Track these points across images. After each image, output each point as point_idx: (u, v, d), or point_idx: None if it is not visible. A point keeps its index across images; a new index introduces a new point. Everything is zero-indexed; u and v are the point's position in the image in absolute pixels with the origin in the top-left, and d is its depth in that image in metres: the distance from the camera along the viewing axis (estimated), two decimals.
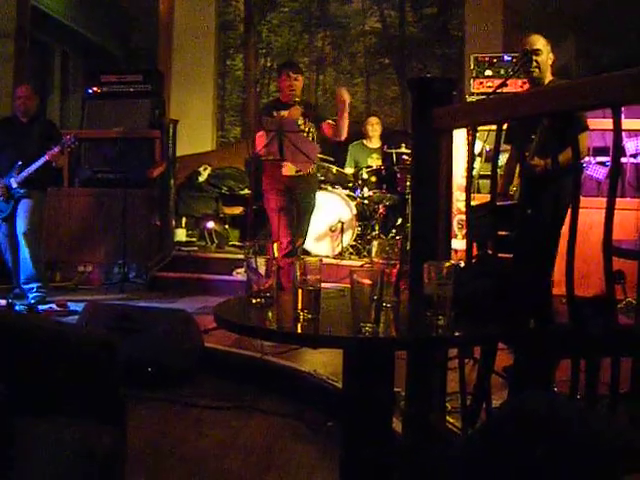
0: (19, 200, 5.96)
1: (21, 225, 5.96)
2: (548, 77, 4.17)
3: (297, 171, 5.57)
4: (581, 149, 3.92)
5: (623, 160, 6.12)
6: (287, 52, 9.67)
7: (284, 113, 5.55)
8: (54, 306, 5.96)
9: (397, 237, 7.12)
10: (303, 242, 5.92)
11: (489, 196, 2.53)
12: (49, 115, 10.71)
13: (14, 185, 5.90)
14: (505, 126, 3.31)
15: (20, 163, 5.88)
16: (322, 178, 7.13)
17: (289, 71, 5.59)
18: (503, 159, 4.64)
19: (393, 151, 7.58)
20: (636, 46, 7.40)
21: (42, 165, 5.89)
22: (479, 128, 2.75)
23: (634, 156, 6.34)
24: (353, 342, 1.83)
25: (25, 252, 5.97)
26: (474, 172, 6.02)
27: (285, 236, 5.53)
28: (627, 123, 5.21)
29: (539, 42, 4.14)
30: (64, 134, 6.20)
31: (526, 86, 4.87)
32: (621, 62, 6.74)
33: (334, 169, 7.58)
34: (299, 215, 5.70)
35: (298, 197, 5.67)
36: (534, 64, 4.12)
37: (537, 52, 4.12)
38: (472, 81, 7.44)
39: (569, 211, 2.07)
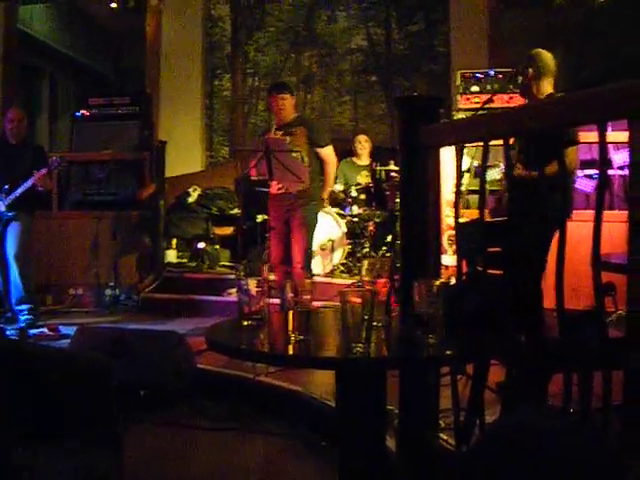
0: (8, 223, 5.95)
1: (11, 248, 5.96)
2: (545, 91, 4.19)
3: (279, 188, 5.61)
4: (569, 162, 3.91)
5: (611, 172, 6.14)
6: (274, 72, 9.70)
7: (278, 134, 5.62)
8: (45, 330, 5.93)
9: (387, 254, 7.12)
10: (304, 264, 5.69)
11: (478, 211, 2.54)
12: (38, 138, 10.72)
13: (2, 208, 5.90)
14: None
15: (7, 187, 5.88)
16: None
17: (274, 92, 5.72)
18: (491, 174, 4.65)
19: (382, 168, 7.60)
20: (624, 59, 7.45)
21: (29, 188, 5.88)
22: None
23: (621, 168, 6.36)
24: (344, 363, 1.83)
25: (16, 275, 5.97)
26: (462, 188, 6.03)
27: (272, 256, 5.77)
28: (614, 135, 5.23)
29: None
30: (51, 156, 6.20)
31: (513, 101, 4.89)
32: (609, 75, 6.81)
33: None
34: (292, 233, 5.70)
35: (289, 215, 5.68)
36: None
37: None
38: (459, 97, 7.46)
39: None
